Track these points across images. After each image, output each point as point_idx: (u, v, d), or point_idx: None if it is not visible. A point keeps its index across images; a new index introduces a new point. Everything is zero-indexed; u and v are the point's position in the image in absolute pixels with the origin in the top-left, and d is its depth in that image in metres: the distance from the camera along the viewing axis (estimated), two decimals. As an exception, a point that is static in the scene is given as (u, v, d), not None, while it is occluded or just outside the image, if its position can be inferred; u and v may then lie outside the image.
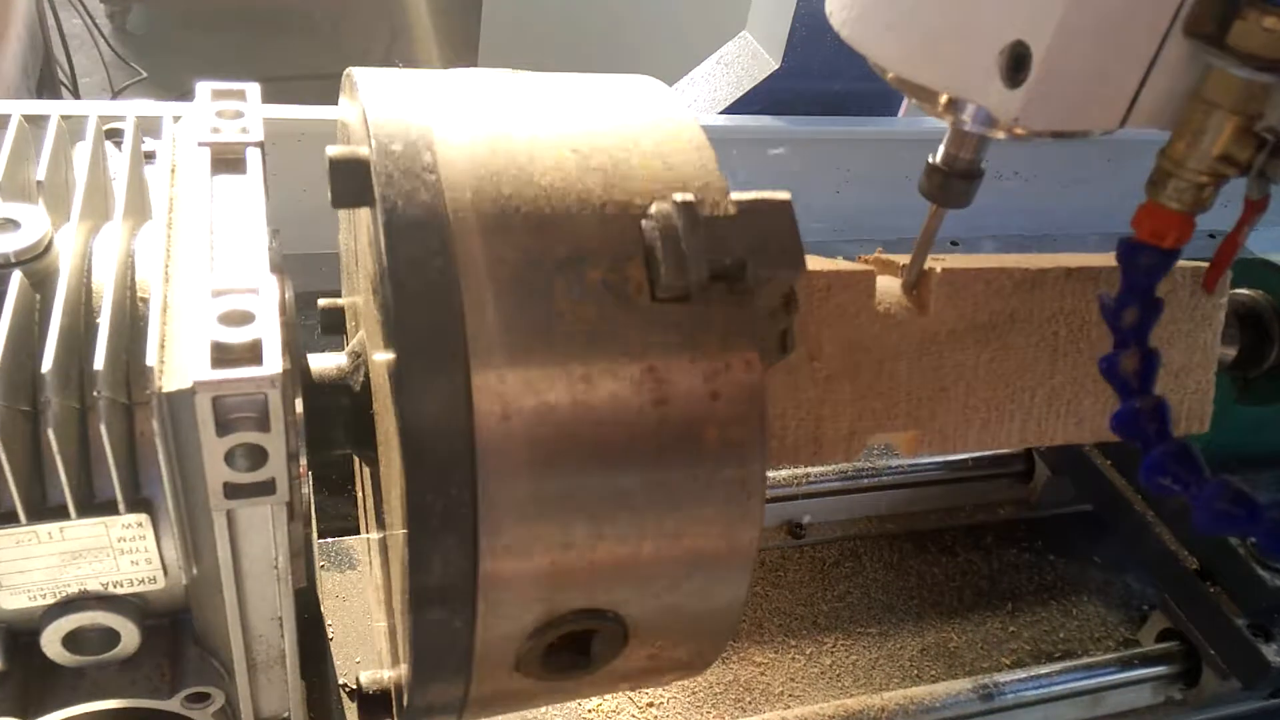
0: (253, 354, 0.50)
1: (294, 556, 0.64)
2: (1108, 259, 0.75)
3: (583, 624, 0.57)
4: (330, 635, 0.99)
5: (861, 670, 1.06)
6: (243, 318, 0.51)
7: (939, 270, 0.74)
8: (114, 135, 0.75)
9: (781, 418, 0.71)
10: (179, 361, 0.51)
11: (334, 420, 0.68)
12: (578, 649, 0.59)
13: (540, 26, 2.59)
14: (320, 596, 1.02)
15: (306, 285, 1.63)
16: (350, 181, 0.55)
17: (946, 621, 1.14)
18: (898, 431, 0.75)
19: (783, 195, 0.57)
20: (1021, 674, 1.03)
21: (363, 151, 0.55)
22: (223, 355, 0.50)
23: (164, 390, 0.50)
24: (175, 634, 0.63)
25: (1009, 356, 0.76)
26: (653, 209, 0.55)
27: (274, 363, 0.49)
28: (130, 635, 0.60)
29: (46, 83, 2.64)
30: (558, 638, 0.57)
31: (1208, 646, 1.05)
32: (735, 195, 0.57)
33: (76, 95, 2.92)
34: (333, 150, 0.55)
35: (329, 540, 1.08)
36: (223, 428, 0.50)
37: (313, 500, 0.95)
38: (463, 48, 2.86)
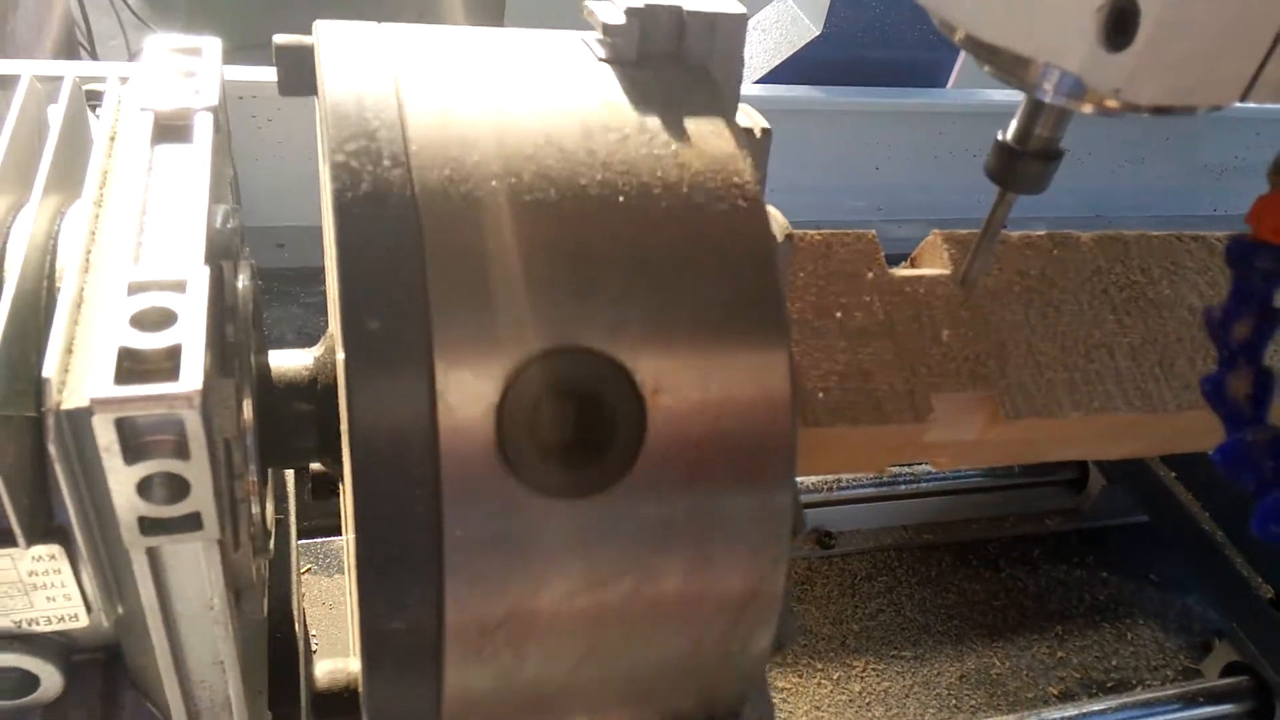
0: (170, 364, 0.41)
1: (243, 589, 0.56)
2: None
3: (575, 369, 0.44)
4: (315, 647, 0.92)
5: (894, 699, 0.97)
6: (162, 319, 0.42)
7: (941, 233, 0.72)
8: (94, 99, 0.67)
9: (823, 378, 0.67)
10: (85, 372, 0.42)
11: (294, 427, 0.59)
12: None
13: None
14: (305, 605, 0.94)
15: (316, 259, 1.53)
16: (294, 68, 0.54)
17: (988, 645, 1.04)
18: (965, 391, 0.67)
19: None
20: (1072, 710, 0.93)
21: (309, 40, 0.54)
22: (133, 366, 0.41)
23: (63, 407, 0.41)
24: (109, 673, 0.55)
25: (1062, 315, 0.72)
26: None
27: (193, 377, 0.40)
28: (51, 678, 0.52)
29: (64, 45, 2.56)
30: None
31: (1283, 684, 0.95)
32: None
33: (95, 58, 2.84)
34: (280, 39, 0.55)
35: (317, 540, 1.00)
36: (133, 453, 0.41)
37: (293, 502, 0.87)
38: (492, 11, 2.76)
